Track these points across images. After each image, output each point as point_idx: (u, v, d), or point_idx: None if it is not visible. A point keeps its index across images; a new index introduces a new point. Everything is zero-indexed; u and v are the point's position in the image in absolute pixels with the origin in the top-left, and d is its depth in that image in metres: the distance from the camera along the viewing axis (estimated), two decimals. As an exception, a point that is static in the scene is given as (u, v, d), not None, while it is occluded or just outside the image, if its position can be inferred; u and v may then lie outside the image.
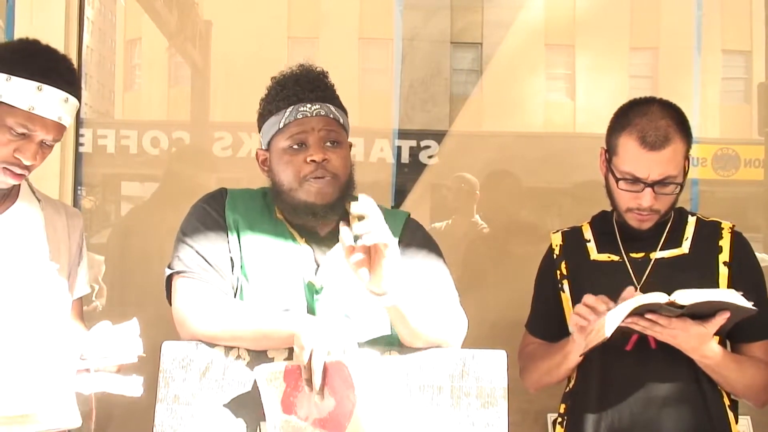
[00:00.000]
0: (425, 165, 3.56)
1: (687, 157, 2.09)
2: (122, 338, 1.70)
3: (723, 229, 2.15)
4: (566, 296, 2.19)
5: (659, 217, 2.10)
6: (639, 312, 1.89)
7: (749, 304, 1.88)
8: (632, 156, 2.04)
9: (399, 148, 3.56)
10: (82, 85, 3.12)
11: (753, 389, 2.08)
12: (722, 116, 3.82)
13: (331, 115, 1.96)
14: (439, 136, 3.64)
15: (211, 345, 1.82)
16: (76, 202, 3.09)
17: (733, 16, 3.83)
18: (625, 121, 2.07)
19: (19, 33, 2.93)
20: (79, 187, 3.18)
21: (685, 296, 1.86)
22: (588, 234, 2.23)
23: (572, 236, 2.25)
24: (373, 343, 1.87)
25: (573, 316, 2.00)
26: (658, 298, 1.86)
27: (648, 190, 2.03)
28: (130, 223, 3.69)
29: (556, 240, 2.26)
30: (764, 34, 3.56)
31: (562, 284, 2.20)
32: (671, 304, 1.86)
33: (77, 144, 3.11)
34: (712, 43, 3.70)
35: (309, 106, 1.94)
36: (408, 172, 3.58)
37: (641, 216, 2.08)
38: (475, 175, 3.58)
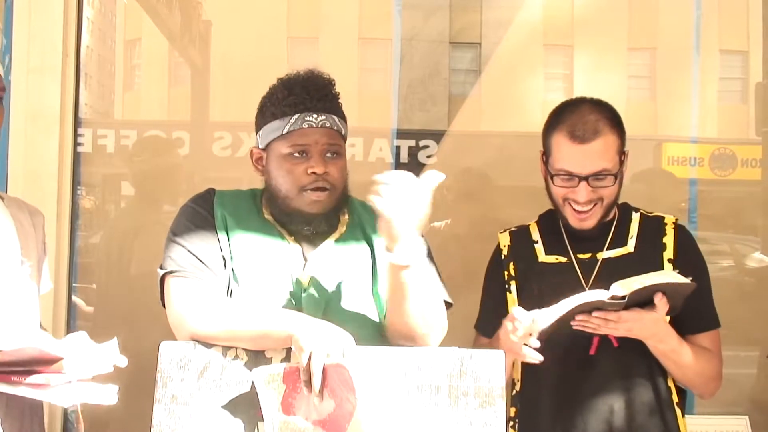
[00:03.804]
0: (424, 165, 3.56)
1: (622, 152, 2.09)
2: (101, 354, 1.68)
3: (666, 224, 2.15)
4: (512, 297, 2.18)
5: (601, 214, 2.09)
6: (586, 310, 1.89)
7: (687, 280, 1.89)
8: (564, 151, 2.05)
9: (398, 147, 3.56)
10: (82, 85, 3.14)
11: (703, 377, 2.09)
12: (719, 116, 3.82)
13: (335, 127, 1.98)
14: (437, 136, 3.64)
15: (209, 345, 1.83)
16: (75, 202, 3.10)
17: (730, 16, 3.83)
18: (556, 120, 2.10)
19: (18, 33, 2.93)
20: (78, 187, 3.18)
21: (623, 286, 1.87)
22: (536, 235, 2.22)
23: (520, 236, 2.24)
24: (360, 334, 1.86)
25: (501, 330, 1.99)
26: (599, 295, 1.87)
27: (583, 183, 2.04)
28: (120, 223, 3.69)
29: (504, 240, 2.25)
30: (761, 34, 3.56)
31: (509, 285, 2.20)
32: (613, 298, 1.87)
33: (76, 144, 3.11)
34: (709, 43, 3.70)
35: (315, 116, 1.94)
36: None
37: (580, 215, 2.08)
38: (474, 175, 3.58)
